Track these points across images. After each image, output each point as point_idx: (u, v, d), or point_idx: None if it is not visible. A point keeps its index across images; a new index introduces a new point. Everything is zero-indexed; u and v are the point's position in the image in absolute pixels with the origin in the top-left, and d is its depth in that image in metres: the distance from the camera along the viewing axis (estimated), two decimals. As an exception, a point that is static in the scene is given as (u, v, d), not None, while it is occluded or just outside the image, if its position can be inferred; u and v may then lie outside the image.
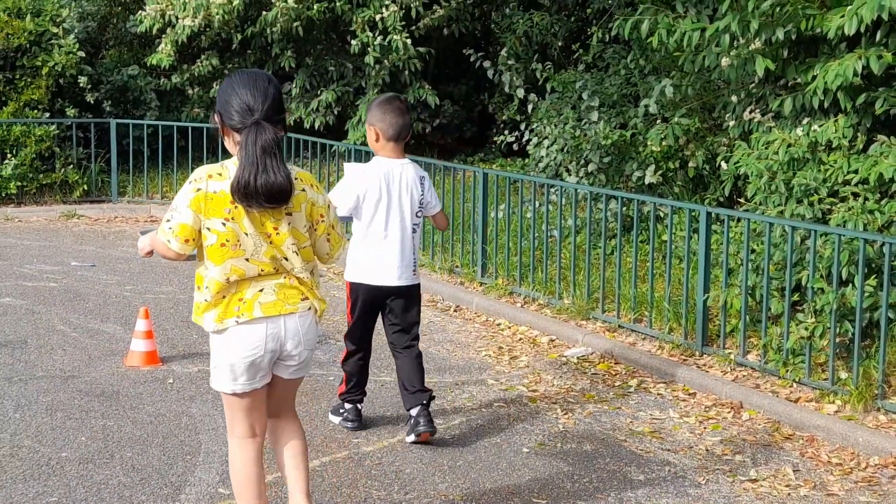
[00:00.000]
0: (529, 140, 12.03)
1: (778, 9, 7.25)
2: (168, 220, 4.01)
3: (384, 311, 5.89)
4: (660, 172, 10.01)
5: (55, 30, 13.57)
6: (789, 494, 5.24)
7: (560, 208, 8.94)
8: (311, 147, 12.33)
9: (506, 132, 13.53)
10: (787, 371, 6.60)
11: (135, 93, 14.64)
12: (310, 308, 4.13)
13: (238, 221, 3.96)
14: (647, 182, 10.04)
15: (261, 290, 4.03)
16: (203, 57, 14.88)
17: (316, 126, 14.50)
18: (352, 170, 5.87)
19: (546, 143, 11.27)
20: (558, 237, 8.76)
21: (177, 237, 3.98)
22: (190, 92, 15.39)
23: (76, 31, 14.10)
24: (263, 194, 3.88)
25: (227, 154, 4.14)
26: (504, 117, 14.63)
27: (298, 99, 14.88)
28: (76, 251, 10.65)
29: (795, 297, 6.89)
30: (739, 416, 6.33)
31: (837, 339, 6.47)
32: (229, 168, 3.98)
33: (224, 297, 4.02)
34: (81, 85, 13.76)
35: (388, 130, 5.81)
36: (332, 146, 12.24)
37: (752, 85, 8.44)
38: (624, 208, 9.42)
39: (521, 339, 7.94)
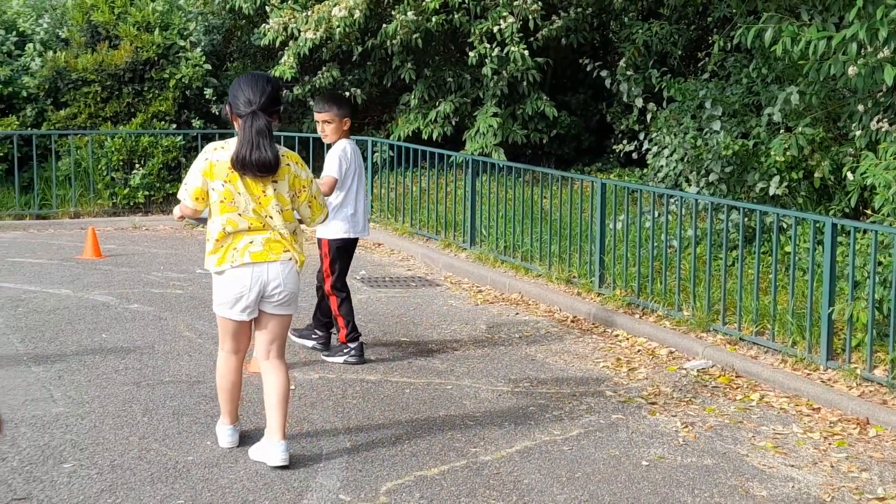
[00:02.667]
0: (648, 150, 11.93)
1: (908, 15, 7.07)
2: (185, 185, 5.31)
3: None
4: (784, 183, 9.82)
5: (182, 43, 13.94)
6: (919, 514, 5.10)
7: (680, 218, 8.85)
8: (428, 157, 12.42)
9: (624, 142, 13.43)
10: (916, 387, 6.42)
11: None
12: (290, 258, 5.35)
13: (233, 184, 5.22)
14: (770, 193, 9.86)
15: (251, 242, 5.28)
16: (324, 69, 15.12)
17: (434, 137, 14.60)
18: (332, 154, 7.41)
19: (666, 152, 11.16)
20: (678, 248, 8.66)
21: (191, 196, 5.29)
22: (311, 103, 15.64)
23: (202, 44, 14.45)
24: (256, 166, 5.15)
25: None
26: (622, 127, 14.53)
27: (417, 110, 15.00)
28: (201, 259, 10.88)
29: (925, 312, 6.69)
30: (866, 433, 6.18)
31: (970, 355, 6.27)
32: (230, 144, 5.25)
33: (223, 246, 5.28)
34: (207, 97, 14.10)
35: (350, 118, 7.46)
36: (450, 156, 12.32)
37: (880, 94, 8.24)
38: (746, 219, 9.27)
39: (639, 350, 7.88)
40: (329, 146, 7.47)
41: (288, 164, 5.33)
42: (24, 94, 13.66)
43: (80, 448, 5.58)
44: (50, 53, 13.81)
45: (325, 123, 7.38)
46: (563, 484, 5.31)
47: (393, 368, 7.24)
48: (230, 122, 5.35)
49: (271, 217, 5.28)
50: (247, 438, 5.71)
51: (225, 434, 5.61)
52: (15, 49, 14.05)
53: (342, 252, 7.35)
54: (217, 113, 14.23)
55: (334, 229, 7.30)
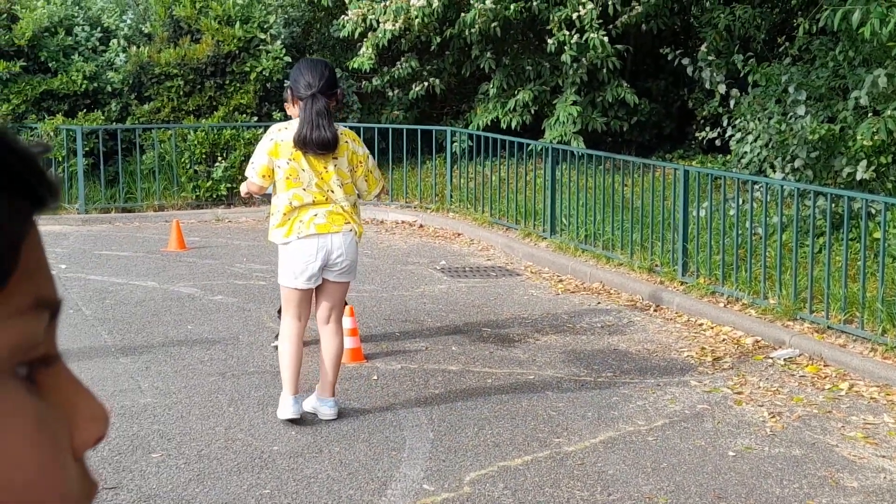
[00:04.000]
0: (731, 136, 11.76)
1: None
2: (252, 164, 5.74)
3: None
4: (872, 168, 9.61)
5: (262, 36, 14.06)
6: None
7: (764, 205, 8.70)
8: (507, 146, 12.38)
9: (707, 128, 13.26)
10: None
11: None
12: (351, 230, 5.76)
13: (297, 161, 5.64)
14: (857, 178, 9.66)
15: (315, 215, 5.68)
16: (403, 59, 15.15)
17: (513, 126, 14.55)
18: None
19: (749, 138, 10.98)
20: (763, 235, 8.52)
21: (258, 174, 5.70)
22: (390, 94, 15.69)
23: (282, 36, 14.57)
24: (316, 144, 5.56)
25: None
26: (704, 113, 14.34)
27: (495, 99, 14.96)
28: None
29: None
30: (960, 423, 6.02)
31: None
32: (293, 125, 5.65)
33: (289, 219, 5.68)
34: (287, 89, 14.19)
35: None
36: (529, 145, 12.26)
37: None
38: (833, 205, 9.08)
39: (724, 339, 7.77)
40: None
41: (346, 142, 5.74)
42: (109, 89, 13.89)
43: (167, 438, 5.65)
44: (133, 49, 14.03)
45: None
46: (648, 475, 5.25)
47: (474, 358, 7.23)
48: (292, 105, 5.86)
49: (333, 191, 5.70)
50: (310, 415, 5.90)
51: (288, 404, 5.80)
52: (100, 45, 14.30)
53: None
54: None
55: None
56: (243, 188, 5.92)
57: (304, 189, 5.65)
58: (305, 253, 5.68)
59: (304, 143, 5.58)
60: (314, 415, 6.00)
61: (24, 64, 13.45)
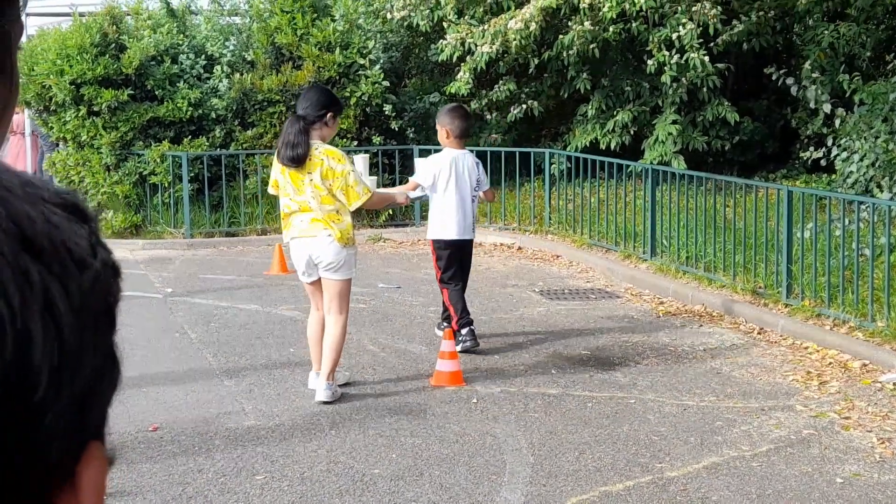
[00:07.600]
0: (837, 155, 11.54)
1: None
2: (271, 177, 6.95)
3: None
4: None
5: (362, 61, 14.21)
6: None
7: (871, 226, 8.51)
8: (606, 167, 12.31)
9: (811, 148, 13.03)
10: None
11: (436, 120, 15.04)
12: (329, 234, 6.58)
13: (284, 175, 6.67)
14: (968, 197, 9.40)
15: (301, 221, 6.64)
16: (500, 82, 15.17)
17: (612, 147, 14.46)
18: (424, 161, 8.39)
19: (855, 157, 10.77)
20: (870, 256, 8.33)
21: (271, 185, 6.91)
22: (488, 117, 15.72)
23: (381, 61, 14.69)
24: (287, 160, 6.58)
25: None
26: (808, 132, 14.09)
27: (594, 120, 14.89)
28: (382, 274, 11.07)
29: None
30: None
31: None
32: None
33: (286, 224, 6.75)
34: (386, 113, 14.32)
35: (456, 130, 8.06)
36: (629, 166, 12.18)
37: None
38: (943, 225, 8.85)
39: (830, 363, 7.61)
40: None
41: (322, 159, 6.60)
42: (213, 115, 14.17)
43: (271, 460, 5.73)
44: (237, 75, 14.29)
45: None
46: (752, 501, 5.16)
47: (574, 381, 7.19)
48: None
49: (310, 201, 6.60)
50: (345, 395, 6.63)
51: (312, 377, 6.94)
52: (204, 72, 14.60)
53: (442, 249, 7.93)
54: (395, 129, 14.45)
55: (432, 229, 8.03)
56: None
57: (290, 199, 6.68)
58: (295, 253, 6.77)
59: (280, 159, 6.64)
60: (411, 437, 6.03)
61: (132, 92, 13.79)
